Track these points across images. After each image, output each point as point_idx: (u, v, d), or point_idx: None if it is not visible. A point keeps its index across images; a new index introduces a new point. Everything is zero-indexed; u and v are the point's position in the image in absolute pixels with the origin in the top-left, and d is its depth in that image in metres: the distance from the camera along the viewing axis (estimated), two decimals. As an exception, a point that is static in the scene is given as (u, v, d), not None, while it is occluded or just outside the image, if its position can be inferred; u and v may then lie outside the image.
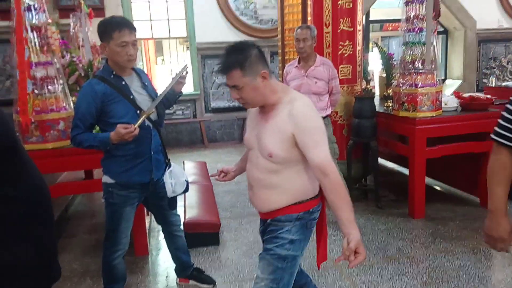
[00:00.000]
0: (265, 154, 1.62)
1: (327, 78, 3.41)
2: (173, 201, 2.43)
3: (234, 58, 1.56)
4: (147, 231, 3.22)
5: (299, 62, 3.47)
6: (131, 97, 2.15)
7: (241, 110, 7.39)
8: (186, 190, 2.42)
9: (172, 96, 2.38)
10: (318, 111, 3.45)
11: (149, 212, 3.25)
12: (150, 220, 3.60)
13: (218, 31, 7.09)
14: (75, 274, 2.86)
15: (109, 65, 2.15)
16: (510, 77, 7.91)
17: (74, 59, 3.56)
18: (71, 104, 2.98)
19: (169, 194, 2.33)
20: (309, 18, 4.02)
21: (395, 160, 4.77)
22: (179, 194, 2.40)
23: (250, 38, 7.20)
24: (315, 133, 1.55)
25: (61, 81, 2.92)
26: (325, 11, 3.81)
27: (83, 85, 2.21)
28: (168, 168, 2.34)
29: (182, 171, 2.43)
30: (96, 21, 2.40)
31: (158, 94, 2.25)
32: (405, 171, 3.92)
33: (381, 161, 4.45)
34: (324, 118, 3.47)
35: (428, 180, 3.68)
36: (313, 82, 3.39)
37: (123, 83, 2.16)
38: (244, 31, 7.19)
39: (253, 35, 7.21)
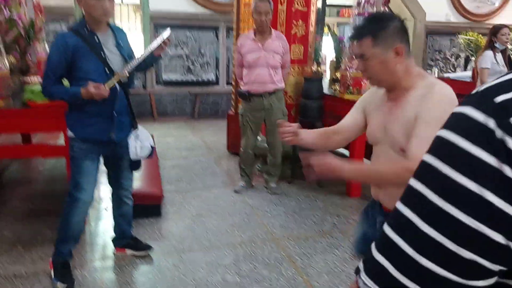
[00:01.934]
0: (396, 148, 1.43)
1: (282, 52, 3.47)
2: (136, 164, 2.46)
3: (369, 25, 1.43)
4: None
5: (256, 35, 3.47)
6: (102, 54, 2.14)
7: (194, 85, 7.29)
8: (151, 155, 2.44)
9: (151, 60, 2.35)
10: (274, 84, 3.50)
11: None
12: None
13: (172, 1, 6.88)
14: (4, 241, 2.76)
15: (84, 19, 2.14)
16: (453, 69, 8.37)
17: (14, 16, 3.33)
18: (6, 63, 2.81)
19: (133, 156, 2.35)
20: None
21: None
22: (143, 158, 2.42)
23: (206, 11, 7.07)
24: (434, 116, 1.30)
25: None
26: (280, -12, 3.80)
27: (56, 36, 2.17)
28: (135, 131, 2.35)
29: (149, 136, 2.44)
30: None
31: (136, 57, 2.23)
32: (346, 152, 4.08)
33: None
34: (278, 90, 3.54)
35: (366, 161, 3.86)
36: (271, 56, 3.43)
37: (96, 39, 2.14)
38: (200, 2, 7.01)
39: (210, 8, 7.07)
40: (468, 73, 6.01)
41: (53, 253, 2.38)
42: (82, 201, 2.28)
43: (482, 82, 3.80)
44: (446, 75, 6.85)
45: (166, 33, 2.26)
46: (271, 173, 3.79)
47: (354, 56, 1.52)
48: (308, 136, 1.67)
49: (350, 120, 1.66)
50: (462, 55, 8.16)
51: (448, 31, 8.24)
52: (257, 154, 3.96)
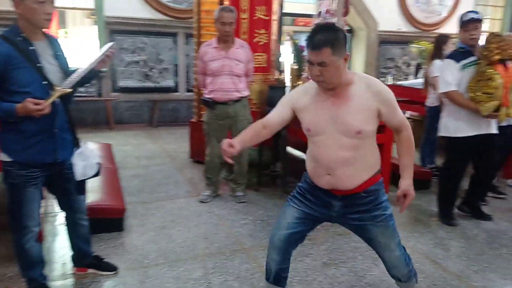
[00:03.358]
0: (351, 133, 1.74)
1: (245, 61, 3.46)
2: (81, 185, 2.25)
3: (326, 36, 1.66)
4: (42, 215, 2.94)
5: (219, 43, 3.43)
6: (38, 65, 1.92)
7: (153, 92, 7.11)
8: (98, 173, 2.24)
9: (92, 74, 2.13)
10: (239, 92, 3.48)
11: (44, 196, 2.97)
12: (45, 204, 3.30)
13: (129, 6, 6.70)
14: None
15: (18, 26, 1.90)
16: (405, 77, 8.74)
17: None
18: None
19: (78, 177, 2.14)
20: (226, 2, 3.98)
21: (302, 148, 4.99)
22: (89, 178, 2.21)
23: (164, 17, 6.95)
24: (394, 100, 1.79)
25: None
26: (242, -3, 3.80)
27: None
28: (77, 149, 2.15)
29: (94, 152, 2.24)
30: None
31: (76, 70, 2.03)
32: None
33: (289, 149, 4.62)
34: (243, 98, 3.51)
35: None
36: (235, 64, 3.41)
37: (31, 48, 1.91)
38: (158, 8, 6.89)
39: (167, 14, 6.96)
40: (420, 80, 6.31)
41: (26, 284, 2.20)
42: (29, 228, 2.08)
43: (436, 89, 3.97)
44: (399, 82, 7.13)
45: (108, 46, 2.11)
46: (238, 181, 3.75)
47: (310, 63, 1.71)
48: (242, 141, 1.85)
49: (278, 115, 1.90)
50: (413, 63, 8.54)
51: (400, 40, 8.61)
52: (223, 163, 3.90)
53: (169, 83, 7.23)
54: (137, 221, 3.25)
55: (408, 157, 1.86)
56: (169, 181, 4.23)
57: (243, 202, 3.66)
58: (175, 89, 7.29)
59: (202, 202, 3.65)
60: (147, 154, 5.29)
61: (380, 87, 1.77)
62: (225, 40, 3.41)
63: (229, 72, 3.41)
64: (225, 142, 1.78)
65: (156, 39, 7.01)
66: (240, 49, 3.46)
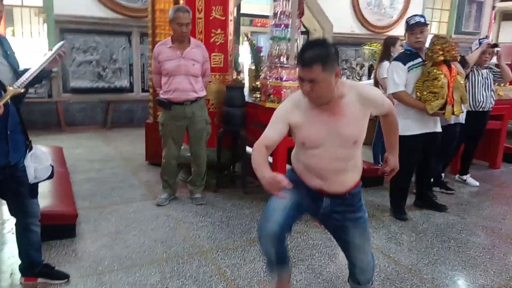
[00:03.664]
0: (349, 144, 1.76)
1: (202, 61, 3.42)
2: (34, 188, 2.16)
3: (317, 53, 1.62)
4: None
5: (174, 43, 3.37)
6: None
7: (106, 92, 6.89)
8: (51, 176, 2.17)
9: (43, 73, 2.04)
10: (196, 92, 3.43)
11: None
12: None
13: (80, 4, 6.46)
14: None
15: None
16: (359, 78, 9.00)
17: None
18: None
19: (31, 179, 2.06)
20: (181, 1, 3.93)
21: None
22: (42, 180, 2.14)
23: (117, 16, 6.76)
24: (381, 96, 1.87)
25: None
26: (198, -4, 3.75)
27: None
28: (30, 151, 2.06)
29: (46, 155, 2.17)
30: None
31: (27, 69, 1.94)
32: (270, 158, 4.14)
33: (249, 149, 4.63)
34: (200, 98, 3.46)
35: (289, 167, 3.96)
36: (191, 64, 3.36)
37: None
38: (111, 7, 6.69)
39: (121, 13, 6.77)
40: (372, 81, 6.51)
41: None
42: None
43: (385, 90, 4.11)
44: (353, 83, 7.31)
45: (59, 45, 2.04)
46: (196, 183, 3.70)
47: (300, 79, 1.68)
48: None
49: (277, 132, 1.78)
50: (366, 64, 8.81)
51: (353, 42, 8.86)
52: (180, 164, 3.84)
53: (124, 83, 7.03)
54: (90, 227, 3.13)
55: (394, 136, 2.02)
56: (124, 185, 4.10)
57: (202, 204, 3.62)
58: (130, 90, 7.10)
59: (158, 205, 3.57)
60: (100, 157, 5.11)
61: (370, 94, 1.80)
62: (180, 40, 3.36)
63: (185, 72, 3.36)
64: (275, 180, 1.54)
65: (109, 38, 6.80)
66: (196, 49, 3.42)
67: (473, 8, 9.93)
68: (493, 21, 10.19)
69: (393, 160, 2.02)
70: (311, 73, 1.62)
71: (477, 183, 4.47)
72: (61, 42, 2.07)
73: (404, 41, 3.55)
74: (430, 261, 2.80)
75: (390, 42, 4.58)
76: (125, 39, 6.94)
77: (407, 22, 3.36)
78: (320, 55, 1.62)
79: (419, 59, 3.28)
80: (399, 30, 8.81)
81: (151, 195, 3.83)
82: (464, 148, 4.47)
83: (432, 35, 3.40)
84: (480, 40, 4.29)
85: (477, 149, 4.55)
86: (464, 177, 4.54)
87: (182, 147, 3.69)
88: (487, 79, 4.18)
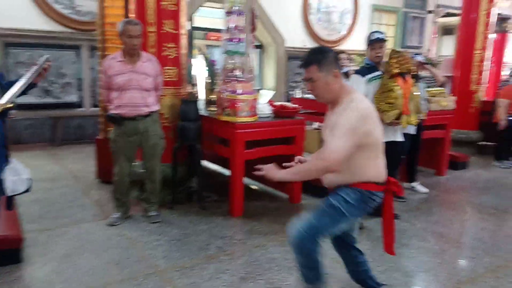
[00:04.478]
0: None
1: (154, 75, 3.36)
2: (11, 201, 2.18)
3: (314, 56, 1.95)
4: None
5: (125, 57, 3.29)
6: None
7: (54, 108, 6.60)
8: (29, 189, 2.18)
9: (28, 87, 2.12)
10: (148, 107, 3.37)
11: None
12: None
13: (25, 17, 6.18)
14: None
15: None
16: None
17: None
18: None
19: (8, 192, 2.07)
20: (131, 15, 3.86)
21: (218, 162, 4.97)
22: (19, 194, 2.16)
23: (65, 29, 6.54)
24: (342, 129, 1.89)
25: None
26: (148, 10, 3.71)
27: None
28: (8, 164, 2.09)
29: (24, 168, 2.19)
30: None
31: (15, 84, 2.03)
32: (227, 172, 4.12)
33: (205, 163, 4.57)
34: (153, 113, 3.39)
35: (247, 180, 3.96)
36: (143, 78, 3.30)
37: None
38: (58, 20, 6.46)
39: (69, 26, 6.55)
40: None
41: None
42: None
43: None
44: (306, 95, 7.48)
45: (44, 59, 2.13)
46: (150, 200, 3.60)
47: (303, 80, 2.03)
48: None
49: None
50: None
51: (331, 49, 9.04)
52: (134, 181, 3.72)
53: (73, 98, 6.77)
54: (38, 251, 2.95)
55: (299, 168, 2.05)
56: (74, 205, 3.92)
57: (157, 222, 3.52)
58: (79, 105, 6.84)
59: (111, 225, 3.43)
60: (49, 176, 4.86)
61: (347, 109, 1.93)
62: (131, 54, 3.29)
63: (137, 87, 3.29)
64: None
65: (57, 52, 6.54)
66: (148, 63, 3.36)
67: (416, 23, 10.51)
68: (435, 36, 10.83)
69: (277, 172, 1.99)
70: (308, 73, 1.95)
71: (426, 190, 4.67)
72: (45, 56, 2.17)
73: (352, 55, 3.78)
74: (385, 268, 2.88)
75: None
76: (74, 53, 6.71)
77: (368, 38, 3.63)
78: (316, 57, 1.93)
79: (378, 72, 3.52)
80: (349, 44, 9.17)
81: (103, 215, 3.67)
82: (407, 157, 4.66)
83: (391, 50, 3.60)
84: (414, 56, 4.64)
85: (417, 157, 4.72)
86: (412, 184, 4.73)
87: (137, 163, 3.59)
88: (420, 90, 4.47)
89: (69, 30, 6.57)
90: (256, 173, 2.02)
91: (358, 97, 2.01)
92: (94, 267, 2.76)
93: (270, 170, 1.99)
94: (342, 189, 2.06)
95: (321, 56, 1.93)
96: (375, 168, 2.05)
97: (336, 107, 1.99)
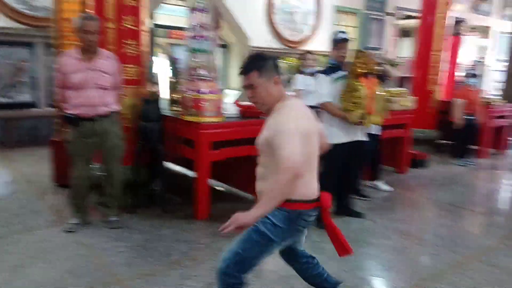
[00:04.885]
0: (261, 153, 1.95)
1: (113, 72, 3.22)
2: None
3: (254, 62, 1.92)
4: None
5: (81, 54, 3.12)
6: None
7: (6, 108, 6.25)
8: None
9: None
10: (106, 106, 3.21)
11: None
12: None
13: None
14: None
15: None
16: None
17: None
18: None
19: None
20: (89, 10, 3.67)
21: (182, 163, 4.85)
22: None
23: (19, 25, 6.24)
24: (281, 135, 1.80)
25: None
26: (107, 5, 3.55)
27: None
28: None
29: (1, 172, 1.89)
30: None
31: None
32: (192, 173, 4.01)
33: (168, 164, 4.44)
34: (112, 113, 3.24)
35: (212, 181, 3.87)
36: (100, 75, 3.15)
37: None
38: (10, 16, 6.15)
39: (23, 22, 6.24)
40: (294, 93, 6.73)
41: None
42: None
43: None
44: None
45: None
46: (110, 205, 3.44)
47: (243, 87, 1.93)
48: None
49: None
50: (284, 77, 9.07)
51: (271, 56, 9.05)
52: (92, 185, 3.54)
53: (26, 98, 6.42)
54: (-14, 262, 2.75)
55: (269, 191, 1.84)
56: (26, 210, 3.69)
57: (117, 227, 3.36)
58: (33, 105, 6.50)
59: (68, 231, 3.26)
60: (0, 180, 4.57)
61: (279, 115, 1.88)
62: (88, 51, 3.13)
63: (94, 85, 3.13)
64: None
65: (9, 49, 6.20)
66: (106, 60, 3.20)
67: (376, 25, 10.76)
68: (395, 38, 11.13)
69: (246, 215, 1.79)
70: (249, 79, 1.90)
71: (390, 188, 4.75)
72: None
73: (316, 55, 3.79)
74: (350, 268, 2.88)
75: (300, 57, 5.01)
76: (28, 50, 6.37)
77: (333, 38, 3.65)
78: (256, 64, 1.90)
79: (343, 72, 3.54)
80: (313, 45, 9.23)
81: (59, 221, 3.48)
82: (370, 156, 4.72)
83: (355, 50, 3.63)
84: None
85: (380, 156, 4.80)
86: (376, 182, 4.81)
87: (96, 166, 3.42)
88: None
89: (23, 26, 6.27)
90: (223, 232, 1.80)
91: (289, 104, 1.93)
92: (49, 278, 2.59)
93: (238, 219, 1.78)
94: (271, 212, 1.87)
95: (261, 63, 1.90)
96: (305, 185, 1.91)
97: (272, 113, 1.93)
